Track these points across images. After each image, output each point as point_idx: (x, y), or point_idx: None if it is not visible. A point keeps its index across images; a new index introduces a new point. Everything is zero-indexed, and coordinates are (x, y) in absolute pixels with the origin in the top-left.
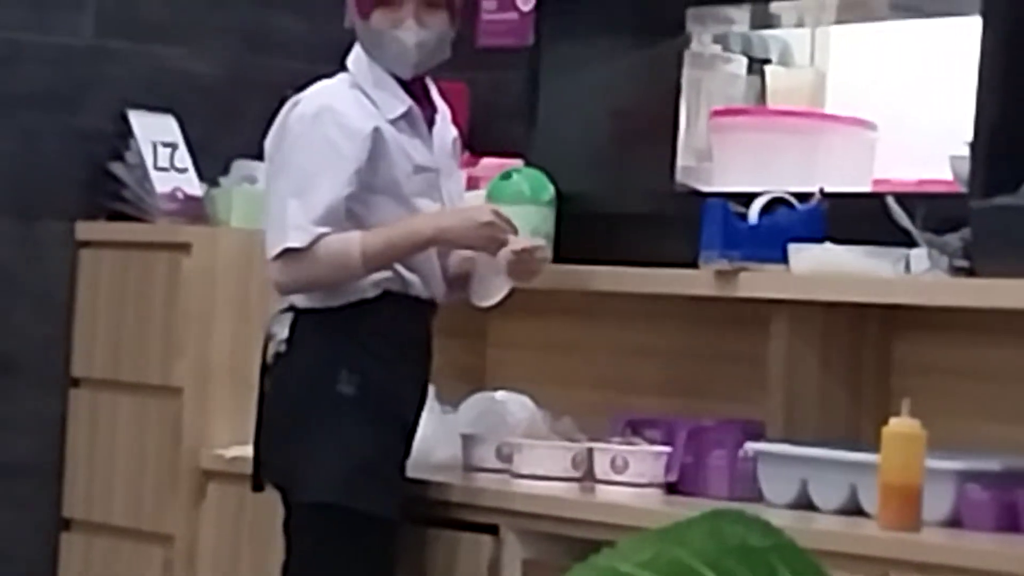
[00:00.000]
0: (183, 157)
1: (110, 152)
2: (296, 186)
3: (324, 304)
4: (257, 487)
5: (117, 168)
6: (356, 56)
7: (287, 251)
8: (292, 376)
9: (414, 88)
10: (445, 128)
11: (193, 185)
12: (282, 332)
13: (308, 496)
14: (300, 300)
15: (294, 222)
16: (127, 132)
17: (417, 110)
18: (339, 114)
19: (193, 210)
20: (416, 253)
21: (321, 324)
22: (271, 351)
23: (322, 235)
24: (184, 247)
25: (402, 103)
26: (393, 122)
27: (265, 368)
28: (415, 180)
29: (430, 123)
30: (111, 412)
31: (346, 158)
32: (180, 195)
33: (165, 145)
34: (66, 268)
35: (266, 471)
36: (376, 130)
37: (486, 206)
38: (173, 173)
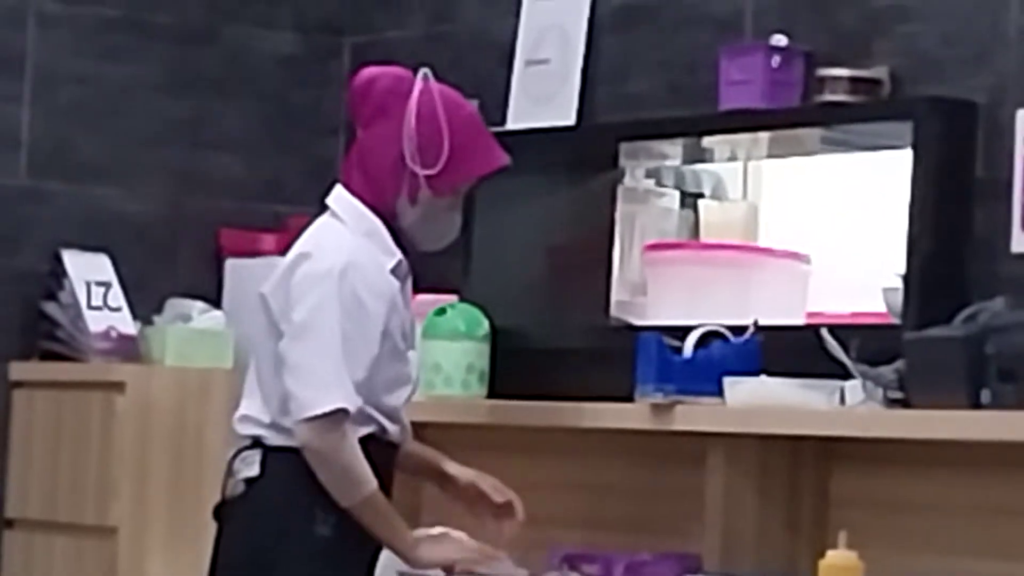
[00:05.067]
0: (117, 296)
1: (44, 292)
2: (336, 348)
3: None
4: None
5: (51, 308)
6: (348, 204)
7: (337, 412)
8: (263, 515)
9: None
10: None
11: (127, 324)
12: (249, 470)
13: None
14: (271, 438)
15: (344, 385)
16: (61, 272)
17: (405, 262)
18: (364, 272)
19: (127, 349)
20: (386, 546)
21: (294, 463)
22: (233, 489)
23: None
24: (118, 386)
25: (394, 255)
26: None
27: (223, 505)
28: (407, 333)
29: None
30: (46, 553)
31: (374, 320)
32: (114, 334)
33: (99, 284)
34: None
35: None
36: (394, 290)
37: (470, 552)
38: (107, 312)
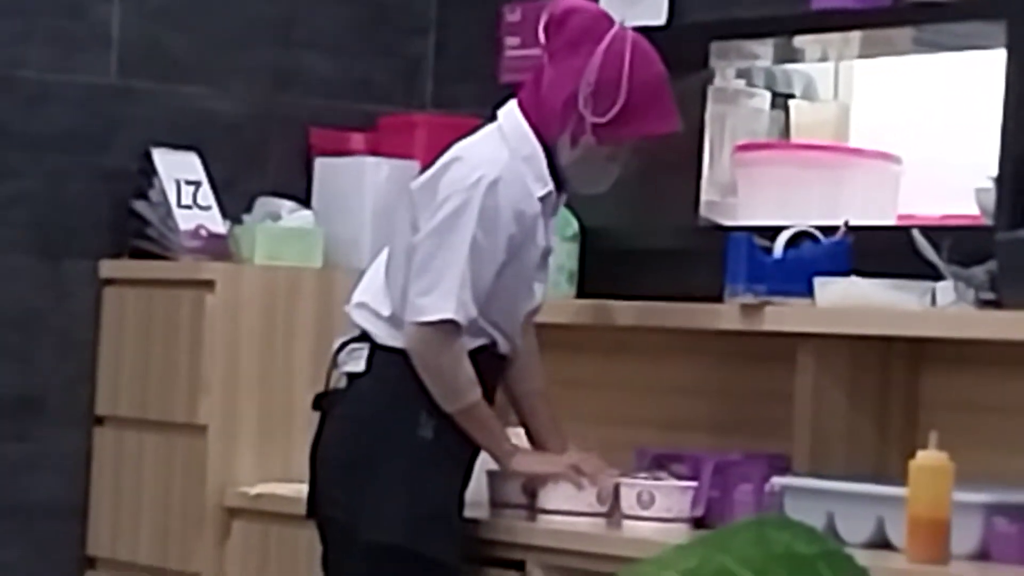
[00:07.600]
0: (206, 195)
1: (134, 190)
2: (463, 257)
3: None
4: (311, 514)
5: (141, 206)
6: (515, 123)
7: (447, 322)
8: (368, 412)
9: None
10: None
11: (216, 222)
12: (355, 365)
13: (376, 536)
14: (382, 336)
15: (462, 295)
16: (151, 170)
17: (555, 194)
18: (510, 189)
19: (216, 247)
20: (485, 451)
21: (400, 365)
22: (336, 382)
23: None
24: (208, 284)
25: (547, 184)
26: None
27: (325, 395)
28: (539, 263)
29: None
30: (136, 450)
31: (504, 233)
32: (203, 232)
33: (189, 183)
34: (90, 306)
35: (324, 503)
36: (535, 215)
37: (571, 468)
38: (196, 210)
